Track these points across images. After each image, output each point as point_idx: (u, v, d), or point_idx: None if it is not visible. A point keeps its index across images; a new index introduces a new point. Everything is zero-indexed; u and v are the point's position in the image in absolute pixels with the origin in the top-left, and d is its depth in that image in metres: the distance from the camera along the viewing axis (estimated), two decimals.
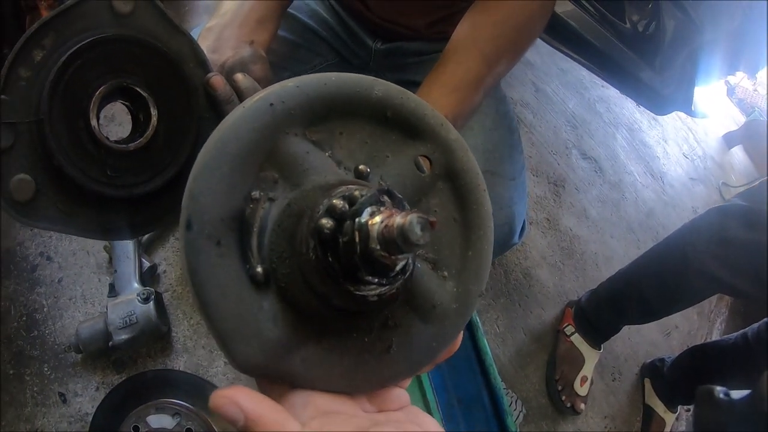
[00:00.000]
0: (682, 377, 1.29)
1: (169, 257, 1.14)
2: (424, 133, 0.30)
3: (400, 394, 0.30)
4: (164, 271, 1.12)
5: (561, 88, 1.97)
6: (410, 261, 0.24)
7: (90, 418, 0.93)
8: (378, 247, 0.21)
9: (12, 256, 1.09)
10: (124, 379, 0.96)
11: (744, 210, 0.89)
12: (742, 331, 1.13)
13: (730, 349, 1.14)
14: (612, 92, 2.19)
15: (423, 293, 0.28)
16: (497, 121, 0.73)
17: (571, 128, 1.87)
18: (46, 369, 0.99)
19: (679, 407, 1.35)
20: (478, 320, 0.80)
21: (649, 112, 1.87)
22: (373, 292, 0.23)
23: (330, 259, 0.22)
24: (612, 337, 1.26)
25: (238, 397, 0.22)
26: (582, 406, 1.19)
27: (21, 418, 0.96)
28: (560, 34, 0.95)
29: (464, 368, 0.78)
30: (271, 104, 0.26)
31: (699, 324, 1.70)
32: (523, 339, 1.29)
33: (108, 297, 0.95)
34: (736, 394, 1.01)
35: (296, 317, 0.25)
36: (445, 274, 0.29)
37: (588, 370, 1.21)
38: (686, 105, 0.89)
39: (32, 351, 1.01)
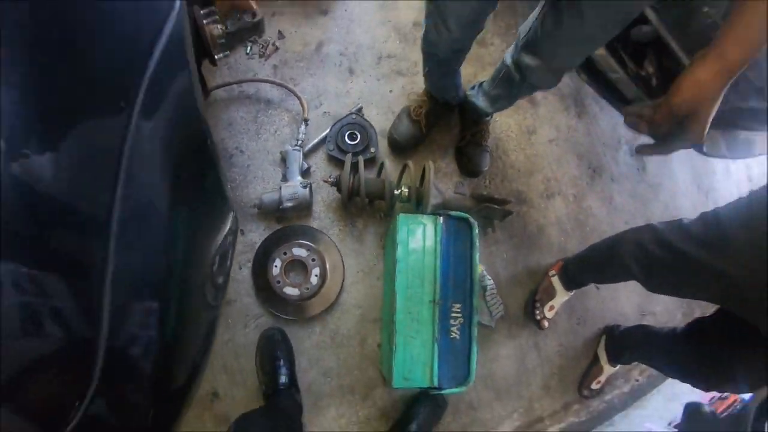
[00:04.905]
0: (627, 344, 1.55)
1: (318, 162, 1.63)
2: None
3: None
4: (314, 171, 1.62)
5: None
6: None
7: (257, 246, 1.55)
8: None
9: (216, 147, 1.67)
10: (282, 227, 1.59)
11: (658, 230, 1.15)
12: (684, 326, 1.28)
13: (666, 337, 1.34)
14: None
15: None
16: None
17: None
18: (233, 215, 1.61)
19: (618, 366, 1.63)
20: (477, 242, 1.30)
21: None
22: None
23: None
24: (582, 289, 1.57)
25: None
26: (545, 324, 1.60)
27: None
28: None
29: (461, 262, 1.30)
30: None
31: (679, 321, 1.80)
32: (521, 269, 1.65)
33: (281, 181, 1.55)
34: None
35: None
36: None
37: (557, 302, 1.57)
38: None
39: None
